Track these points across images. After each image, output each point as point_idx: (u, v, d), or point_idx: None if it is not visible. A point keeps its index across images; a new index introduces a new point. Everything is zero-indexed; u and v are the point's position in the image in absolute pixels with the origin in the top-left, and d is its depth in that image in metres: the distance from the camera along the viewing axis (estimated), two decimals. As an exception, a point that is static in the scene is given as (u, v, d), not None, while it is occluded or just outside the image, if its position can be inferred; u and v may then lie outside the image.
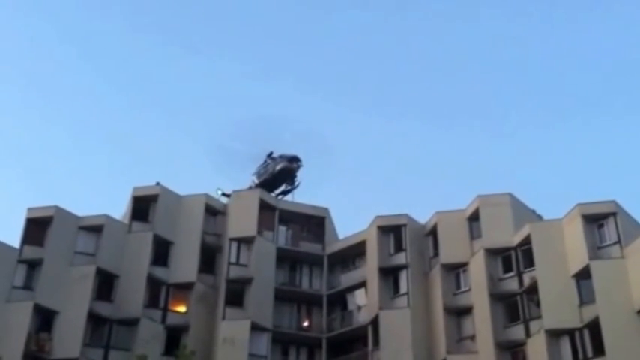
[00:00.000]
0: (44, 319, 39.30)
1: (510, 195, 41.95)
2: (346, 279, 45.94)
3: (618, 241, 36.62)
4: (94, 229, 42.51)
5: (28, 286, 40.07)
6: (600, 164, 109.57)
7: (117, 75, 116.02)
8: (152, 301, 41.70)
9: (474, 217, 41.98)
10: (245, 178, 51.53)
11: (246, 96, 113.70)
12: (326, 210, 49.09)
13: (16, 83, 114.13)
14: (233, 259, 43.77)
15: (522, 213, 41.44)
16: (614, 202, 37.85)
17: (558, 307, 36.56)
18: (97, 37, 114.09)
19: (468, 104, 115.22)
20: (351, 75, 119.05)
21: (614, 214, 37.32)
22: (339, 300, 45.63)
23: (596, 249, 37.01)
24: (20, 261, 40.48)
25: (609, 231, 37.31)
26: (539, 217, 42.85)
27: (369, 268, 43.82)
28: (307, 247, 47.31)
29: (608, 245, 36.98)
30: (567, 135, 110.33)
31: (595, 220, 37.73)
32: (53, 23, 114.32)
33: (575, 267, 36.78)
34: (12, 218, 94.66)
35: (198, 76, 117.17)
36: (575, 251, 37.15)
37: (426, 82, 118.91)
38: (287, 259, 46.40)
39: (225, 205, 46.87)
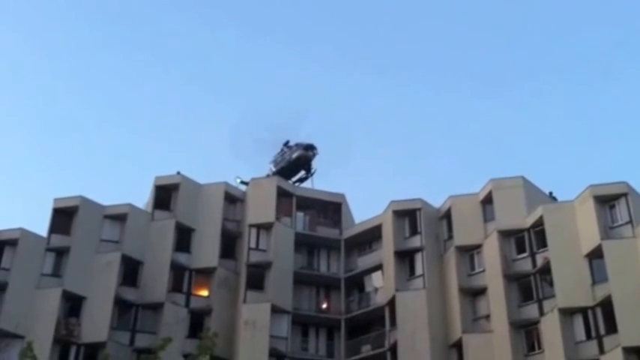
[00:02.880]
0: (72, 304, 40.65)
1: (523, 178, 42.56)
2: (363, 262, 46.81)
3: (630, 221, 37.29)
4: (118, 217, 43.76)
5: (56, 273, 41.41)
6: (612, 145, 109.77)
7: (137, 63, 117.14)
8: (176, 286, 42.87)
9: (488, 200, 42.64)
10: (263, 166, 52.61)
11: (261, 84, 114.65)
12: (342, 196, 49.91)
13: (39, 75, 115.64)
14: (253, 245, 44.86)
15: (535, 195, 42.04)
16: (625, 183, 38.50)
17: (571, 286, 37.28)
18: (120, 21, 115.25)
19: (480, 84, 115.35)
20: (364, 57, 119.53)
21: (625, 195, 37.97)
22: (356, 282, 46.53)
23: (608, 229, 37.69)
24: (48, 249, 41.84)
25: (621, 211, 37.97)
26: (555, 199, 43.46)
27: (385, 251, 44.70)
28: (324, 232, 48.17)
29: (620, 225, 37.66)
30: (578, 118, 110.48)
31: (607, 201, 38.40)
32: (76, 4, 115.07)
33: (588, 247, 37.47)
34: (39, 208, 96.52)
35: (215, 66, 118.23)
36: (588, 232, 37.82)
37: (438, 58, 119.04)
38: (305, 244, 47.31)
39: (244, 193, 47.80)
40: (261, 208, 46.02)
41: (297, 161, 51.57)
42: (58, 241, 42.18)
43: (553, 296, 37.78)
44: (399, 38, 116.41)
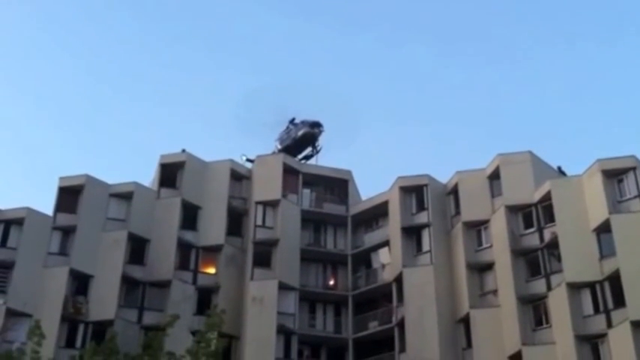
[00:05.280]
0: (80, 283, 40.83)
1: (530, 153, 42.30)
2: (370, 239, 46.79)
3: (638, 195, 37.09)
4: (124, 196, 43.72)
5: (63, 252, 41.52)
6: (621, 118, 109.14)
7: (142, 41, 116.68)
8: (182, 263, 42.90)
9: (495, 176, 42.38)
10: (268, 143, 52.45)
11: (266, 61, 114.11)
12: (349, 172, 49.74)
13: (44, 58, 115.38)
14: (259, 222, 44.79)
15: (543, 170, 41.82)
16: (633, 156, 38.19)
17: (579, 260, 37.13)
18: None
19: (488, 56, 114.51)
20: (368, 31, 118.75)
21: (633, 169, 37.72)
22: (363, 259, 46.50)
23: (616, 203, 37.47)
24: (55, 228, 41.92)
25: (629, 185, 37.75)
26: (563, 174, 43.23)
27: (392, 227, 44.62)
28: (331, 208, 48.06)
29: (628, 199, 37.45)
30: (587, 91, 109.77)
31: (615, 175, 38.15)
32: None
33: (596, 221, 37.27)
34: (44, 186, 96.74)
35: (220, 43, 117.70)
36: (596, 206, 37.61)
37: (444, 30, 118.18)
38: (312, 221, 47.19)
39: (249, 170, 47.65)
40: (267, 185, 45.90)
41: (302, 138, 51.38)
42: (65, 219, 42.24)
43: (561, 271, 37.66)
44: (404, 8, 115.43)
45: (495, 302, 39.88)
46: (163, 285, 41.76)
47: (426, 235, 43.28)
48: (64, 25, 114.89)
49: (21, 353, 32.77)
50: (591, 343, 35.81)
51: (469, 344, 39.72)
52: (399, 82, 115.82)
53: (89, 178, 43.55)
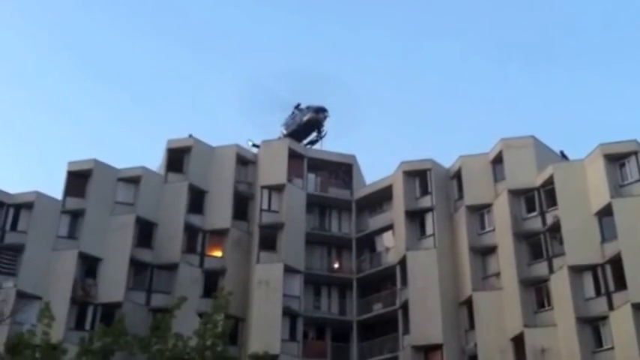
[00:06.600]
0: (89, 266, 41.39)
1: (533, 137, 42.50)
2: (374, 222, 47.18)
3: (640, 179, 37.46)
4: (132, 180, 44.19)
5: (72, 235, 42.07)
6: (623, 102, 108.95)
7: (148, 28, 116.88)
8: (190, 247, 43.46)
9: (498, 160, 42.67)
10: (274, 129, 52.81)
11: (271, 47, 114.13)
12: (353, 157, 50.16)
13: (51, 41, 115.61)
14: (265, 206, 45.25)
15: (545, 154, 42.04)
16: (635, 140, 38.34)
17: (581, 244, 37.46)
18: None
19: (492, 46, 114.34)
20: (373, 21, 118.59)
21: (635, 153, 37.88)
22: (367, 242, 46.98)
23: (617, 187, 37.72)
24: (64, 212, 42.45)
25: (631, 169, 37.94)
26: (566, 158, 43.45)
27: (396, 211, 45.04)
28: (336, 192, 48.43)
29: (630, 183, 37.66)
30: (588, 76, 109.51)
31: (617, 159, 38.34)
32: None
33: (598, 205, 37.57)
34: (53, 171, 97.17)
35: (225, 29, 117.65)
36: (598, 190, 37.88)
37: (445, 16, 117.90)
38: (317, 205, 47.63)
39: (255, 155, 48.05)
40: (272, 170, 46.32)
41: (308, 124, 51.70)
42: (73, 203, 42.76)
43: (562, 254, 37.99)
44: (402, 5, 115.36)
45: (498, 285, 40.28)
46: (171, 268, 42.32)
47: (429, 218, 43.65)
48: (69, 13, 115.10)
49: (31, 335, 33.56)
50: (592, 325, 36.24)
51: (472, 326, 40.19)
52: (403, 67, 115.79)
53: (97, 163, 44.03)
